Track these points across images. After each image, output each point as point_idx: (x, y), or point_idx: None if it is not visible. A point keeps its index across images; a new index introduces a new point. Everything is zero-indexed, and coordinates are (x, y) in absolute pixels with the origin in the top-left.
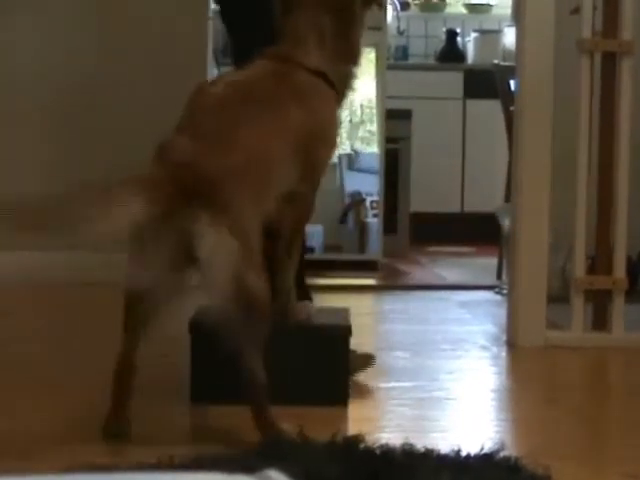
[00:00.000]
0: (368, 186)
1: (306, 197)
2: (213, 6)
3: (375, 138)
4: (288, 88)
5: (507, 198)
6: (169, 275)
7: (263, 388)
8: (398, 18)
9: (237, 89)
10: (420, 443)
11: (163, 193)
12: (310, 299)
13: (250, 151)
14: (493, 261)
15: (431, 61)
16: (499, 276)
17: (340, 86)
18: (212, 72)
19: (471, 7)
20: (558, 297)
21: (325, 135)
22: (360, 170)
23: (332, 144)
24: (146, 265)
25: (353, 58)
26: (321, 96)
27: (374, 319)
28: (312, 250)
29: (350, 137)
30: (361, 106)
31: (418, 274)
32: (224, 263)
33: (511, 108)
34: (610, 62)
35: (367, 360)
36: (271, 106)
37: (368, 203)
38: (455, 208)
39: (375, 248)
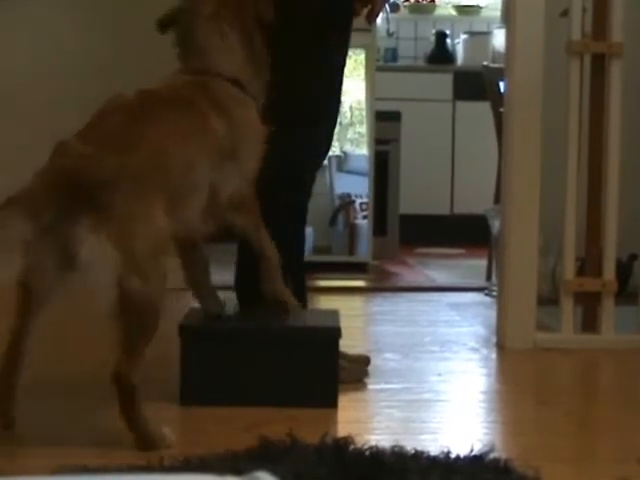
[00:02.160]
0: (358, 188)
1: (248, 200)
2: None
3: (364, 140)
4: (205, 96)
5: (497, 200)
6: (55, 274)
7: (133, 392)
8: (387, 20)
9: (150, 95)
10: (410, 445)
11: (44, 203)
12: (304, 303)
13: (151, 154)
14: (483, 263)
15: (421, 63)
16: (489, 278)
17: (257, 94)
18: None
19: (460, 9)
20: (548, 299)
21: (250, 141)
22: (349, 172)
23: (258, 149)
24: (35, 266)
25: (259, 70)
26: (238, 102)
27: (364, 321)
28: None
29: (339, 139)
30: (350, 108)
31: (408, 276)
32: (103, 269)
33: (501, 110)
34: (599, 64)
35: (362, 371)
36: (186, 110)
37: (358, 205)
38: (445, 210)
39: (365, 250)
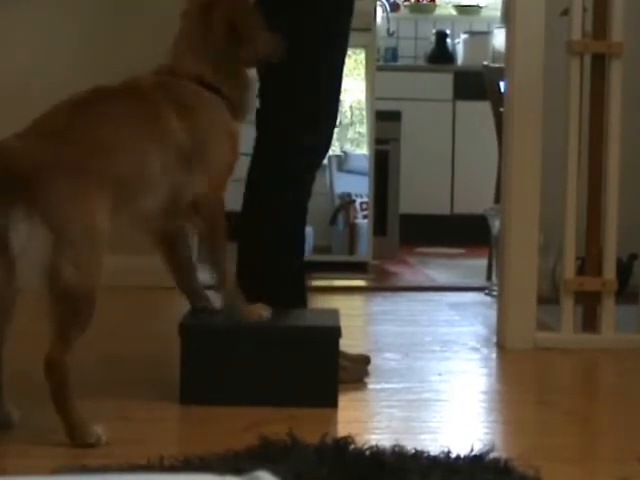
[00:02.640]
0: (358, 187)
1: (209, 204)
2: None
3: (365, 139)
4: (168, 96)
5: (497, 199)
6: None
7: (66, 380)
8: (388, 19)
9: (102, 90)
10: (410, 445)
11: None
12: (304, 302)
13: (89, 145)
14: (483, 262)
15: (421, 62)
16: (489, 277)
17: (235, 97)
18: None
19: (461, 9)
20: (548, 298)
21: (217, 141)
22: (350, 171)
23: (228, 149)
24: None
25: (239, 74)
26: (206, 104)
27: (364, 320)
28: None
29: (340, 139)
30: (350, 107)
31: (408, 275)
32: (34, 254)
33: (501, 109)
34: (600, 64)
35: (362, 371)
36: (139, 104)
37: (358, 204)
38: (445, 209)
39: (365, 249)
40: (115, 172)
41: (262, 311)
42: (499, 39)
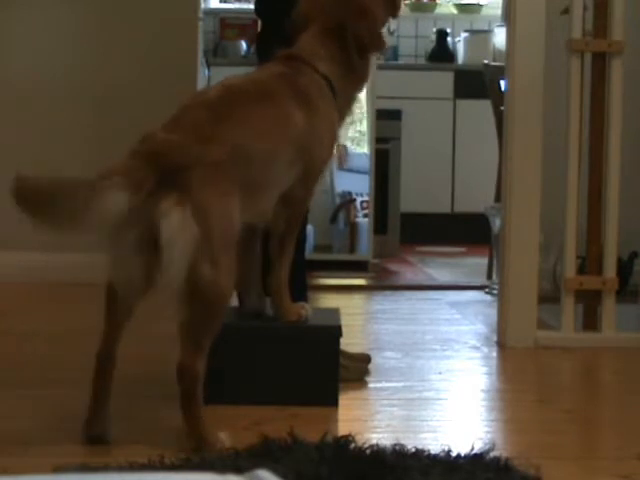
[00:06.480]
0: (358, 186)
1: (301, 199)
2: (203, 6)
3: (365, 138)
4: (291, 88)
5: (497, 198)
6: (141, 266)
7: (196, 387)
8: None
9: (234, 90)
10: (410, 443)
11: (137, 179)
12: (305, 301)
13: (231, 147)
14: (483, 261)
15: (421, 61)
16: (489, 276)
17: (344, 106)
18: (202, 72)
19: (461, 7)
20: (549, 297)
21: (323, 138)
22: (350, 170)
23: (328, 149)
24: (122, 257)
25: (358, 84)
26: (324, 99)
27: (364, 319)
28: None
29: (340, 137)
30: None
31: (408, 274)
32: (183, 243)
33: (501, 108)
34: (600, 62)
35: (363, 370)
36: (270, 105)
37: (358, 203)
38: (445, 208)
39: (365, 248)
40: (247, 173)
41: (302, 310)
42: (500, 38)
